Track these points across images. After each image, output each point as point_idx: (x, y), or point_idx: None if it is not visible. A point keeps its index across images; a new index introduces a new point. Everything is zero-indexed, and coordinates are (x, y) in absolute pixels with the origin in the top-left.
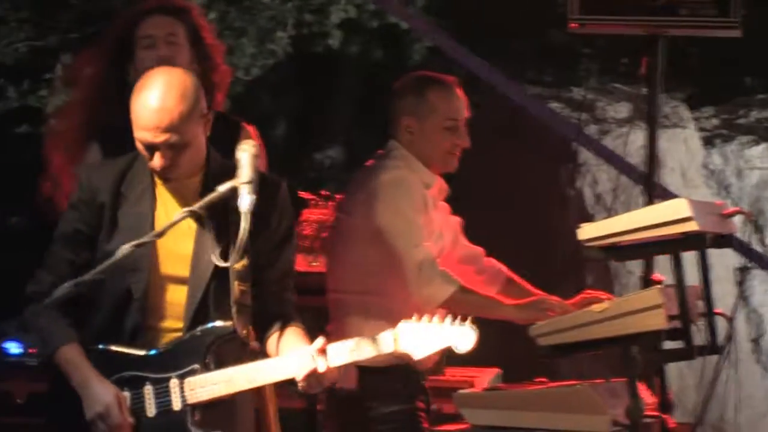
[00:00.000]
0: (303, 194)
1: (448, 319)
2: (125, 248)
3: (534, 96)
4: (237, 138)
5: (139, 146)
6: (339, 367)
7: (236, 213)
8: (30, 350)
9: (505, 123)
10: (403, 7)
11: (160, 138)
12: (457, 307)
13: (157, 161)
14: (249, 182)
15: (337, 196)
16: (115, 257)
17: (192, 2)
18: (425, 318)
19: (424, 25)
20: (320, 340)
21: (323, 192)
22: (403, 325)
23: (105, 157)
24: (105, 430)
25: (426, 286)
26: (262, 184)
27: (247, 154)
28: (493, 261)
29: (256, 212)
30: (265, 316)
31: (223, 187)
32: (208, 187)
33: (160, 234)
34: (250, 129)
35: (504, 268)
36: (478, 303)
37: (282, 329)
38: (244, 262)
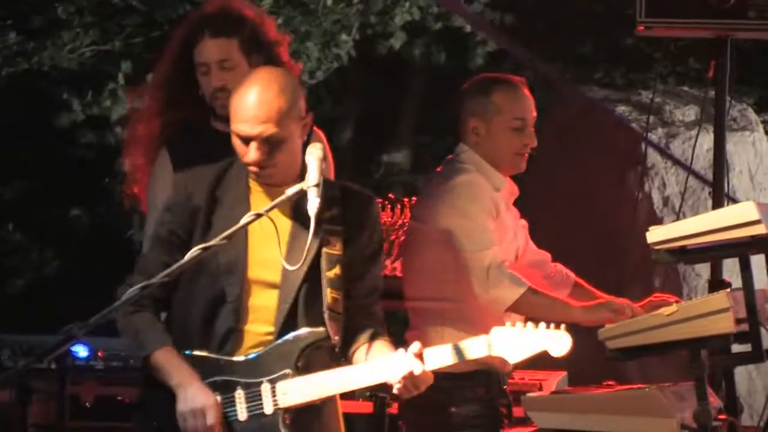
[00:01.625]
0: None
1: (542, 324)
2: (194, 251)
3: (602, 99)
4: (307, 141)
5: (236, 142)
6: (433, 371)
7: (326, 221)
8: (99, 353)
9: (573, 126)
10: (469, 10)
11: (257, 129)
12: (525, 309)
13: (252, 154)
14: (316, 185)
15: (405, 200)
16: (184, 261)
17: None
18: (519, 324)
19: (490, 27)
20: (417, 344)
21: (390, 195)
22: (497, 331)
23: (172, 156)
24: (194, 427)
25: (494, 289)
26: (353, 197)
27: (314, 157)
28: (560, 266)
29: (349, 224)
30: (353, 329)
31: (291, 191)
32: (304, 195)
33: (228, 237)
34: (320, 133)
35: (571, 274)
36: (547, 305)
37: (370, 341)
38: (337, 271)
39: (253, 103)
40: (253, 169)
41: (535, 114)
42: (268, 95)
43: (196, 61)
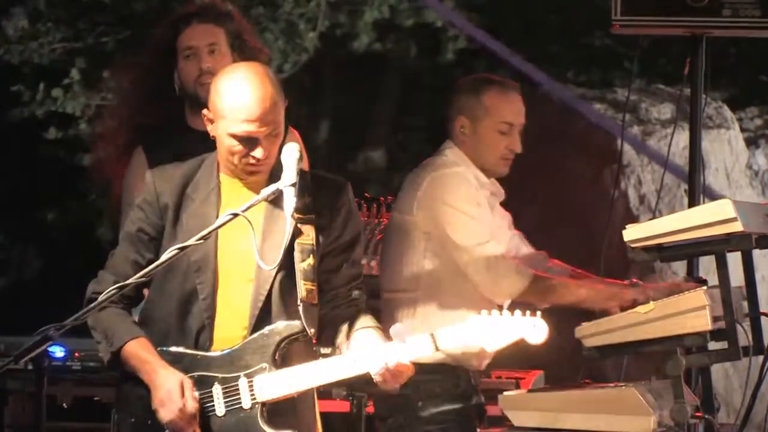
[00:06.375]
0: None
1: (518, 312)
2: (172, 251)
3: (578, 97)
4: (283, 141)
5: (231, 142)
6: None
7: (298, 210)
8: (75, 354)
9: (549, 124)
10: (445, 7)
11: (264, 129)
12: (534, 296)
13: (260, 152)
14: (293, 185)
15: (380, 199)
16: (161, 260)
17: (231, 4)
18: (495, 312)
19: (467, 25)
20: (395, 334)
21: (366, 194)
22: (474, 318)
23: (148, 157)
24: (165, 416)
25: (503, 280)
26: (325, 185)
27: (290, 157)
28: (556, 261)
29: (321, 212)
30: (337, 319)
31: (267, 190)
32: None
33: (205, 237)
34: (295, 132)
35: (568, 266)
36: (553, 287)
37: (350, 331)
38: (311, 261)
39: (256, 102)
40: (253, 167)
41: (524, 120)
42: (265, 91)
43: (182, 46)
